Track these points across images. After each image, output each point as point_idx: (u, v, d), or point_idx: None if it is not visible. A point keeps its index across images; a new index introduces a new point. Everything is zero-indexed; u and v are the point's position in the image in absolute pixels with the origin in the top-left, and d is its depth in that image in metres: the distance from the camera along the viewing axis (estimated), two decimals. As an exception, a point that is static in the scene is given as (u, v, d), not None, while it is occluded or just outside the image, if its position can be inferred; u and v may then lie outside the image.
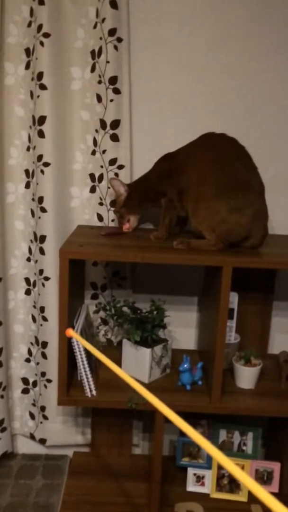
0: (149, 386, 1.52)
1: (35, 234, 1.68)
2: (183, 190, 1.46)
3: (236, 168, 1.41)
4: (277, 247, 1.52)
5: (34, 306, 1.76)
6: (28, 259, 1.76)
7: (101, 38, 1.53)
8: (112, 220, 1.70)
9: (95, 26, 1.55)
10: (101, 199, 1.67)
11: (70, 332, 1.00)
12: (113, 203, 1.66)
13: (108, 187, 1.64)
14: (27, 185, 1.69)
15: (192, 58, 1.61)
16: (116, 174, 1.63)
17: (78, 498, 1.67)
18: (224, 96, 1.64)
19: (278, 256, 1.41)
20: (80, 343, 0.87)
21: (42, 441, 1.89)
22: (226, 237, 1.41)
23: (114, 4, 1.50)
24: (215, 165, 1.41)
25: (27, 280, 1.78)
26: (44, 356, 1.75)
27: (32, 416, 1.89)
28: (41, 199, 1.62)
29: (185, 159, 1.47)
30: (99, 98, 1.58)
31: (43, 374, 1.78)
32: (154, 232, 1.53)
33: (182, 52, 1.61)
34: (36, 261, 1.70)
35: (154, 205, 1.56)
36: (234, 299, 1.62)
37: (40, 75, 1.53)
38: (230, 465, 0.49)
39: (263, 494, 0.45)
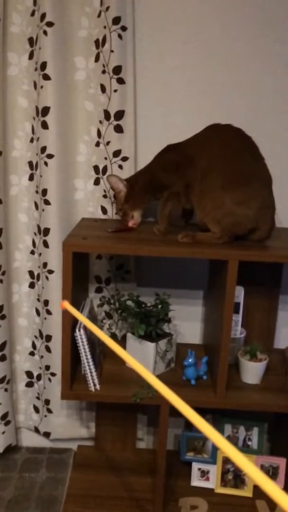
0: (153, 381, 1.51)
1: (38, 227, 1.67)
2: (189, 183, 1.43)
3: (243, 159, 1.38)
4: (284, 241, 1.49)
5: (38, 300, 1.75)
6: (32, 252, 1.74)
7: (105, 27, 1.50)
8: (116, 213, 1.68)
9: (99, 15, 1.52)
10: (105, 191, 1.65)
11: (65, 304, 0.92)
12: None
13: None
14: (31, 177, 1.67)
15: (198, 47, 1.58)
16: (120, 166, 1.61)
17: (82, 491, 1.67)
18: (230, 85, 1.61)
19: (285, 250, 1.39)
20: (78, 317, 0.81)
21: (46, 435, 1.88)
22: (232, 230, 1.38)
23: (118, -8, 1.47)
24: (221, 157, 1.38)
25: (31, 273, 1.77)
26: (48, 349, 1.74)
27: (36, 409, 1.89)
28: (44, 192, 1.60)
29: (192, 151, 1.43)
30: (103, 88, 1.56)
31: (47, 367, 1.77)
32: (156, 225, 1.50)
33: (187, 41, 1.58)
34: (40, 254, 1.69)
35: (156, 198, 1.52)
36: (240, 293, 1.60)
37: (43, 65, 1.50)
38: (237, 456, 0.47)
39: (271, 487, 0.44)
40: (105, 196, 1.66)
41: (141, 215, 1.56)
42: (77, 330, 1.40)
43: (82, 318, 0.81)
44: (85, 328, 1.43)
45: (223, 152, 1.38)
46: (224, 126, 1.43)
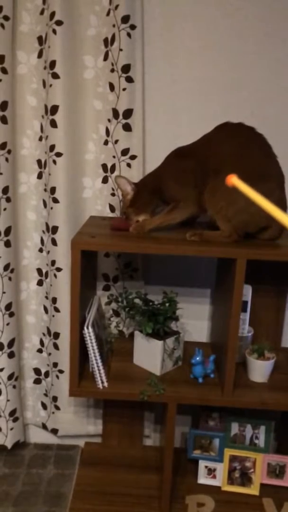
0: (161, 378, 1.51)
1: (47, 224, 1.68)
2: (202, 190, 1.41)
3: (256, 157, 1.38)
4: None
5: (46, 297, 1.76)
6: (40, 250, 1.75)
7: (114, 26, 1.51)
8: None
9: (108, 13, 1.52)
10: (113, 189, 1.66)
11: (233, 180, 0.81)
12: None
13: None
14: (39, 176, 1.68)
15: (208, 46, 1.58)
16: (129, 165, 1.61)
17: (89, 488, 1.68)
18: (239, 84, 1.61)
19: (293, 248, 1.39)
20: (247, 193, 0.64)
21: (54, 431, 1.90)
22: (243, 228, 1.38)
23: (127, -9, 1.47)
24: (234, 155, 1.37)
25: (39, 271, 1.78)
26: (56, 346, 1.75)
27: (44, 406, 1.90)
28: (53, 190, 1.61)
29: (204, 155, 1.41)
30: (111, 87, 1.56)
31: (55, 364, 1.78)
32: (144, 220, 1.47)
33: (196, 40, 1.57)
34: (48, 252, 1.70)
35: (164, 203, 1.50)
36: (247, 292, 1.60)
37: (52, 64, 1.51)
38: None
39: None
40: (113, 195, 1.66)
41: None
42: (85, 327, 1.41)
43: (252, 194, 0.68)
44: (93, 326, 1.44)
45: (236, 151, 1.37)
46: (236, 124, 1.42)
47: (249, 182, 1.40)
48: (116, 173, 1.63)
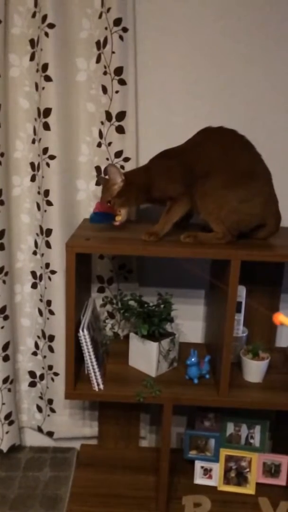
0: (156, 380, 1.52)
1: (41, 227, 1.67)
2: (193, 191, 1.43)
3: (242, 158, 1.40)
4: (286, 240, 1.50)
5: (41, 300, 1.76)
6: (34, 253, 1.75)
7: (106, 28, 1.51)
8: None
9: (100, 16, 1.53)
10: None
11: (280, 318, 0.82)
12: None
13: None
14: (33, 178, 1.68)
15: (199, 48, 1.59)
16: (122, 167, 1.61)
17: (86, 490, 1.68)
18: (231, 86, 1.61)
19: (287, 249, 1.40)
20: None
21: (50, 434, 1.89)
22: (237, 228, 1.40)
23: (119, -7, 1.47)
24: (220, 159, 1.39)
25: (33, 273, 1.77)
26: (51, 349, 1.75)
27: (39, 409, 1.90)
28: (46, 192, 1.60)
29: (191, 159, 1.42)
30: (104, 90, 1.56)
31: (50, 367, 1.78)
32: (152, 228, 1.44)
33: (188, 42, 1.58)
34: (42, 255, 1.70)
35: (152, 202, 1.50)
36: (242, 293, 1.60)
37: (45, 67, 1.51)
38: None
39: None
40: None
41: (128, 214, 1.51)
42: (80, 330, 1.41)
43: None
44: (89, 328, 1.44)
45: (222, 154, 1.39)
46: (217, 128, 1.44)
47: (239, 183, 1.43)
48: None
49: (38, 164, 1.63)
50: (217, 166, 1.39)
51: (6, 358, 1.74)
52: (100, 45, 1.54)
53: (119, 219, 1.48)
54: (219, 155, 1.39)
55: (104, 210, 1.47)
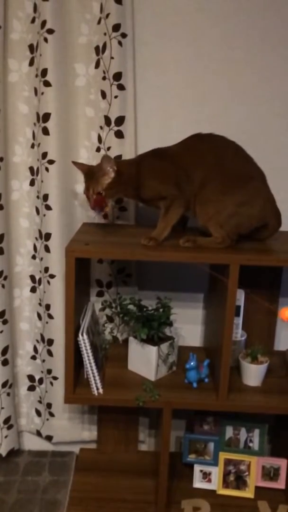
0: (156, 384, 1.52)
1: (40, 231, 1.68)
2: (189, 197, 1.43)
3: (236, 163, 1.42)
4: (284, 244, 1.51)
5: (40, 304, 1.76)
6: (33, 257, 1.75)
7: (105, 34, 1.52)
8: (117, 218, 1.69)
9: (99, 22, 1.53)
10: (106, 196, 1.66)
11: (287, 313, 0.86)
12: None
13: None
14: (32, 183, 1.69)
15: (197, 54, 1.60)
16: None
17: (85, 494, 1.68)
18: (229, 91, 1.62)
19: (285, 253, 1.40)
20: None
21: (49, 438, 1.89)
22: (236, 232, 1.41)
23: (118, -1, 1.48)
24: (216, 165, 1.40)
25: (32, 277, 1.78)
26: (50, 353, 1.75)
27: (38, 413, 1.90)
28: (45, 197, 1.61)
29: (186, 163, 1.42)
30: (103, 95, 1.57)
31: (49, 371, 1.78)
32: (151, 234, 1.43)
33: (187, 48, 1.59)
34: (41, 259, 1.70)
35: (141, 201, 1.50)
36: (240, 296, 1.61)
37: (44, 72, 1.51)
38: None
39: None
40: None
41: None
42: (80, 334, 1.41)
43: None
44: (88, 332, 1.44)
45: (217, 161, 1.40)
46: (208, 135, 1.45)
47: (236, 187, 1.44)
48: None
49: (37, 169, 1.63)
50: (214, 173, 1.40)
51: (5, 362, 1.74)
52: (99, 50, 1.55)
53: (107, 209, 1.45)
54: (215, 162, 1.40)
55: (97, 203, 1.42)
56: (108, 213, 1.48)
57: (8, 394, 1.78)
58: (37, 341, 1.82)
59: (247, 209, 1.40)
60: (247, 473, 1.69)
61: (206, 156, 1.41)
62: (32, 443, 1.97)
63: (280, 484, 1.70)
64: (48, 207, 1.61)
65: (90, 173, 1.45)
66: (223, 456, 1.70)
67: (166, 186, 1.43)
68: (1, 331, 1.70)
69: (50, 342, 1.74)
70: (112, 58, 1.52)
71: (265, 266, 1.64)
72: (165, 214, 1.44)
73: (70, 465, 1.89)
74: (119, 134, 1.59)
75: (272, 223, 1.47)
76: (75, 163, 1.52)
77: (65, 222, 1.65)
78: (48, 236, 1.64)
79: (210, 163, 1.40)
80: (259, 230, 1.47)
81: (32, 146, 1.65)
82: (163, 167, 1.44)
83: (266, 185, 1.45)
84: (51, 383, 1.79)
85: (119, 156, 1.60)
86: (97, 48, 1.55)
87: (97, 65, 1.57)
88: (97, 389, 1.47)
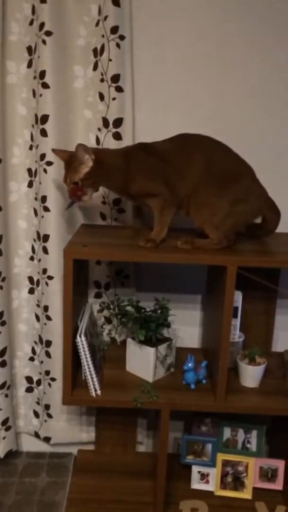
0: (154, 385, 1.52)
1: (38, 233, 1.68)
2: (183, 198, 1.43)
3: (226, 162, 1.42)
4: (282, 245, 1.51)
5: (38, 305, 1.76)
6: (32, 258, 1.75)
7: (103, 36, 1.52)
8: (115, 219, 1.69)
9: (97, 24, 1.54)
10: (104, 197, 1.67)
11: None
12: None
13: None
14: (30, 184, 1.69)
15: (195, 55, 1.60)
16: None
17: (83, 495, 1.68)
18: (227, 92, 1.63)
19: (283, 255, 1.41)
20: None
21: (47, 439, 1.89)
22: (233, 231, 1.42)
23: (116, 2, 1.48)
24: (207, 166, 1.40)
25: (30, 279, 1.78)
26: (48, 355, 1.76)
27: (36, 414, 1.90)
28: (44, 198, 1.61)
29: (178, 163, 1.41)
30: (101, 97, 1.57)
31: (47, 372, 1.78)
32: (148, 235, 1.43)
33: (185, 50, 1.60)
34: (39, 260, 1.70)
35: (127, 197, 1.49)
36: (238, 298, 1.62)
37: (42, 74, 1.52)
38: None
39: None
40: (104, 203, 1.67)
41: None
42: (78, 336, 1.41)
43: None
44: (86, 334, 1.44)
45: (207, 162, 1.40)
46: (195, 135, 1.44)
47: (228, 187, 1.44)
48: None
49: (35, 170, 1.64)
50: (204, 177, 1.40)
51: (3, 364, 1.74)
52: (97, 52, 1.55)
53: (86, 199, 1.42)
54: (206, 163, 1.40)
55: (73, 192, 1.40)
56: (88, 202, 1.43)
57: (6, 396, 1.78)
58: (35, 342, 1.82)
59: (242, 206, 1.40)
60: (245, 474, 1.70)
61: (196, 159, 1.40)
62: (30, 445, 1.97)
63: (277, 485, 1.70)
64: (46, 209, 1.62)
65: (70, 161, 1.40)
66: (221, 457, 1.70)
67: (155, 183, 1.41)
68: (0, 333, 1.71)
69: (48, 343, 1.74)
70: (110, 60, 1.52)
71: (263, 268, 1.64)
72: (159, 215, 1.44)
73: (68, 467, 1.89)
74: (117, 136, 1.59)
75: (270, 216, 1.48)
76: (54, 150, 1.48)
77: (63, 223, 1.65)
78: (46, 238, 1.64)
79: (200, 166, 1.40)
80: (260, 227, 1.48)
81: (30, 147, 1.65)
82: (150, 163, 1.42)
83: (256, 179, 1.45)
84: (49, 385, 1.80)
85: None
86: (95, 50, 1.56)
87: (95, 67, 1.57)
88: (95, 390, 1.47)
